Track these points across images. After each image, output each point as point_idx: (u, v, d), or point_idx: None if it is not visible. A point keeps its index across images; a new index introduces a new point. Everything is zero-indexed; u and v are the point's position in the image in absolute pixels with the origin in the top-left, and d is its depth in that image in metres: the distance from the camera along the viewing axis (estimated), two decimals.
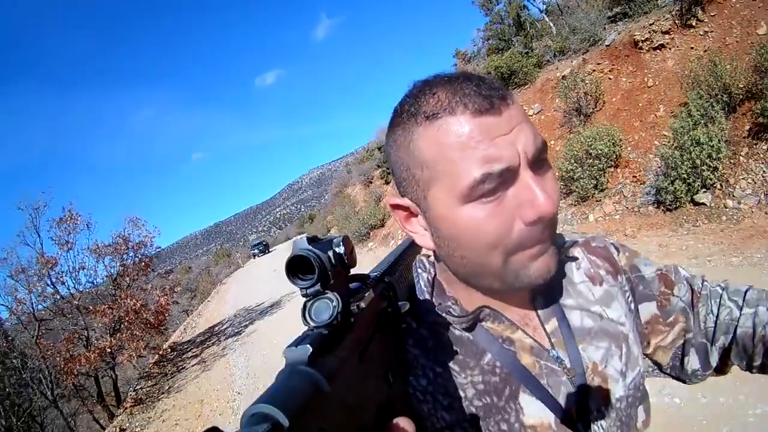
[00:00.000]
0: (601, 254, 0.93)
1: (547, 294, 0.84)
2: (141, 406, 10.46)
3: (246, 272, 37.18)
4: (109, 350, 11.88)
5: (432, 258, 0.87)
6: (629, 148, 11.27)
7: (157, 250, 15.51)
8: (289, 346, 0.43)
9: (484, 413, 0.74)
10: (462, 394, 0.75)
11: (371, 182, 26.67)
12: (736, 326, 0.88)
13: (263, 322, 13.70)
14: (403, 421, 0.47)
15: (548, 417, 0.75)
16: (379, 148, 25.61)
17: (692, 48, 11.81)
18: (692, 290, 0.93)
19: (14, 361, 11.16)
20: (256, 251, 53.75)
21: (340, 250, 0.51)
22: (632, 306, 0.91)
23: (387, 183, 23.83)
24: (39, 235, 12.59)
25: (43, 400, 11.62)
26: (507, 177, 0.65)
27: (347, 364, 0.46)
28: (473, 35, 24.22)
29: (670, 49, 12.37)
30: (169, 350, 15.59)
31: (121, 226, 14.28)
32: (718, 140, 8.77)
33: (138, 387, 12.24)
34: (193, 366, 12.33)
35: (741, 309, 0.89)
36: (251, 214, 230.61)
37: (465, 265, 0.73)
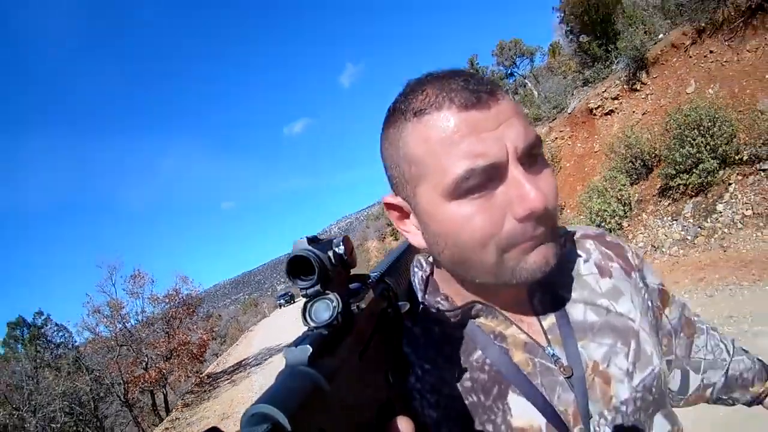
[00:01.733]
0: (615, 249, 0.89)
1: (546, 287, 0.79)
2: (188, 408, 14.49)
3: (271, 321, 41.10)
4: (164, 372, 16.01)
5: (430, 257, 0.85)
6: (568, 210, 12.80)
7: (198, 295, 19.93)
8: (288, 347, 0.43)
9: (471, 412, 0.71)
10: (448, 391, 0.72)
11: (385, 238, 29.09)
12: (728, 368, 0.96)
13: (279, 355, 17.63)
14: (402, 421, 0.46)
15: (538, 420, 0.70)
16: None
17: (634, 112, 12.79)
18: (685, 317, 0.95)
19: (88, 378, 15.17)
20: (282, 301, 56.75)
21: (340, 250, 0.50)
22: (650, 303, 0.87)
23: (396, 239, 25.98)
24: (114, 286, 16.94)
25: (116, 405, 15.73)
26: (493, 173, 0.63)
27: (347, 364, 0.45)
28: None
29: (618, 113, 13.30)
30: (206, 377, 19.61)
31: (172, 281, 18.68)
32: (622, 202, 10.14)
33: (185, 398, 16.30)
34: (225, 384, 16.29)
35: (731, 355, 0.97)
36: (280, 263, 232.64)
37: (456, 262, 0.70)
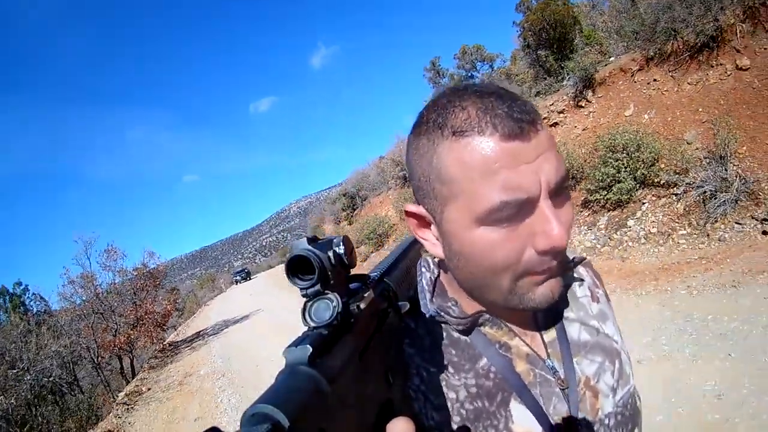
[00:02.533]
0: (598, 278, 0.96)
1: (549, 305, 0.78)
2: (153, 370, 16.63)
3: (227, 296, 43.10)
4: (132, 338, 18.04)
5: (437, 259, 0.85)
6: None
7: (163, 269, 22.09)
8: (289, 347, 0.43)
9: (474, 417, 0.73)
10: (453, 395, 0.74)
11: (340, 222, 29.89)
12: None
13: (235, 326, 19.82)
14: (402, 421, 0.46)
15: (535, 428, 0.74)
16: (345, 195, 29.23)
17: (575, 126, 13.24)
18: None
19: (68, 341, 17.06)
20: (238, 278, 58.39)
21: (340, 250, 0.50)
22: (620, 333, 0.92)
23: (350, 224, 27.27)
24: (89, 260, 18.82)
25: (87, 368, 17.76)
26: (525, 206, 0.64)
27: (347, 364, 0.45)
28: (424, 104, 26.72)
29: (561, 126, 13.71)
30: (168, 345, 21.66)
31: (134, 250, 20.77)
32: None
33: (150, 362, 18.42)
34: (186, 350, 18.50)
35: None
36: (237, 240, 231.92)
37: (472, 281, 0.72)
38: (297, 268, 0.48)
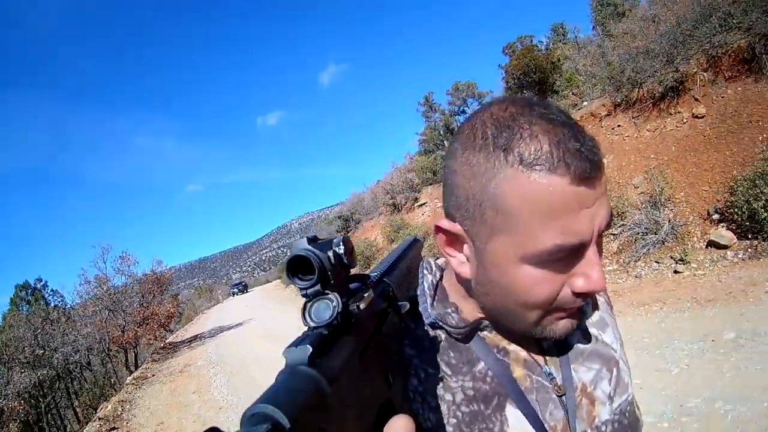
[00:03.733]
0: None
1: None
2: (156, 363, 19.22)
3: (223, 307, 45.62)
4: (138, 334, 20.70)
5: (440, 261, 0.86)
6: None
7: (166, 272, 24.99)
8: (289, 347, 0.42)
9: (470, 419, 0.73)
10: (450, 397, 0.74)
11: None
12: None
13: (229, 332, 22.36)
14: (403, 418, 0.46)
15: None
16: (340, 217, 31.06)
17: None
18: None
19: (86, 331, 19.74)
20: (235, 290, 60.40)
21: (340, 250, 0.50)
22: (621, 340, 0.92)
23: None
24: (105, 264, 21.61)
25: (96, 358, 20.42)
26: (576, 250, 0.64)
27: (347, 364, 0.45)
28: (416, 138, 28.02)
29: None
30: (168, 344, 24.29)
31: (149, 262, 23.64)
32: None
33: (153, 356, 21.04)
34: (184, 349, 21.09)
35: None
36: (237, 253, 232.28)
37: (499, 309, 0.72)
38: (297, 268, 0.47)
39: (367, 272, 0.67)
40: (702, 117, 10.67)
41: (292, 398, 0.36)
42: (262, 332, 18.49)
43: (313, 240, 0.50)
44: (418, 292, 0.82)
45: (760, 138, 9.16)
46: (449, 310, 0.78)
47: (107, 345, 19.87)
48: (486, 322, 0.78)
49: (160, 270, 23.87)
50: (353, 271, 0.57)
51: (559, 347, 0.82)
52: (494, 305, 0.72)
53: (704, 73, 10.95)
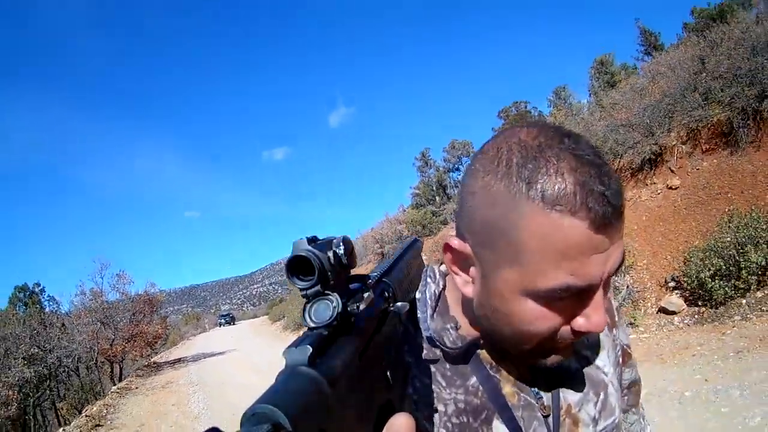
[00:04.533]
0: (605, 303, 0.87)
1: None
2: (140, 378, 20.19)
3: (209, 335, 46.47)
4: (126, 349, 21.76)
5: (443, 266, 0.85)
6: None
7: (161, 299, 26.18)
8: (289, 347, 0.42)
9: (459, 431, 0.74)
10: (443, 408, 0.75)
11: None
12: None
13: (212, 358, 23.32)
14: (403, 416, 0.46)
15: None
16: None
17: None
18: (636, 387, 1.00)
19: (79, 339, 20.72)
20: (222, 321, 60.68)
21: (340, 250, 0.50)
22: (619, 360, 0.92)
23: None
24: (102, 279, 22.93)
25: (82, 368, 21.44)
26: (583, 292, 0.63)
27: (347, 364, 0.45)
28: (408, 191, 29.21)
29: None
30: (153, 363, 25.23)
31: (144, 285, 25.09)
32: None
33: (137, 372, 22.02)
34: (167, 369, 22.10)
35: None
36: (228, 284, 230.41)
37: (494, 332, 0.72)
38: (297, 268, 0.46)
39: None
40: (676, 188, 11.01)
41: (292, 398, 0.36)
42: (244, 362, 19.34)
43: (312, 240, 0.49)
44: (419, 300, 0.81)
45: (727, 209, 9.48)
46: (448, 326, 0.78)
47: (96, 355, 20.87)
48: (481, 342, 0.78)
49: (152, 291, 25.20)
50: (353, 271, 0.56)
51: (551, 374, 0.80)
52: (492, 329, 0.72)
53: (683, 146, 11.38)
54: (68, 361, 19.74)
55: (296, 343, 0.42)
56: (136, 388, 17.41)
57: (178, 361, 24.93)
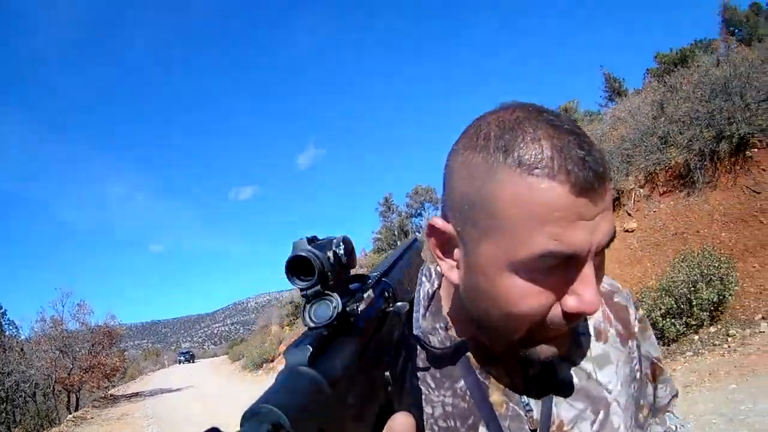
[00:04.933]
0: (619, 313, 0.86)
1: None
2: (96, 409, 20.25)
3: (168, 372, 46.15)
4: (83, 379, 21.82)
5: (440, 268, 0.80)
6: None
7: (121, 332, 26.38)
8: (289, 347, 0.42)
9: None
10: (430, 410, 0.73)
11: (284, 327, 32.19)
12: None
13: (169, 394, 23.45)
14: (403, 416, 0.46)
15: None
16: (291, 302, 31.54)
17: None
18: (676, 399, 0.93)
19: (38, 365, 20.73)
20: (182, 358, 60.31)
21: (340, 250, 0.50)
22: (638, 375, 0.85)
23: (291, 330, 29.63)
24: (63, 307, 23.21)
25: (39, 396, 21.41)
26: (568, 262, 0.60)
27: (347, 364, 0.45)
28: (371, 236, 28.79)
29: None
30: (110, 395, 25.16)
31: (104, 316, 25.31)
32: None
33: (94, 403, 22.01)
34: (123, 402, 22.23)
35: None
36: (190, 322, 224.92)
37: (483, 319, 0.69)
38: (297, 268, 0.46)
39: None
40: (632, 231, 11.01)
41: (292, 398, 0.36)
42: (201, 399, 19.45)
43: (312, 240, 0.49)
44: (414, 299, 0.80)
45: (682, 249, 9.50)
46: (438, 326, 0.77)
47: (53, 383, 20.87)
48: (470, 344, 0.75)
49: (112, 324, 25.40)
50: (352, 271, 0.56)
51: (544, 380, 0.76)
52: (481, 316, 0.69)
53: (640, 189, 11.43)
54: (25, 386, 19.77)
55: (296, 343, 0.43)
56: (92, 418, 17.61)
57: (136, 395, 24.94)
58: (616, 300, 0.87)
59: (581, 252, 0.60)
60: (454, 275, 0.70)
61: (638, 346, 0.86)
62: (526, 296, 0.62)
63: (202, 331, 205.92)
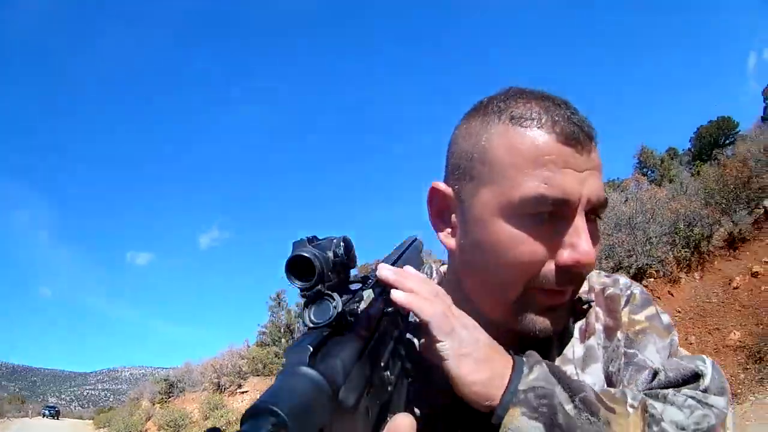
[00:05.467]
0: (609, 306, 0.82)
1: (536, 345, 0.73)
2: None
3: (29, 423, 46.18)
4: None
5: (443, 268, 0.84)
6: None
7: None
8: (289, 347, 0.42)
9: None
10: (425, 407, 0.72)
11: (154, 404, 30.42)
12: None
13: None
14: (404, 417, 0.47)
15: None
16: (166, 380, 30.47)
17: None
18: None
19: None
20: (47, 412, 59.59)
21: (340, 250, 0.50)
22: (619, 368, 0.77)
23: (161, 408, 27.56)
24: None
25: None
26: (560, 210, 0.63)
27: (347, 364, 0.45)
28: (256, 328, 26.96)
29: None
30: None
31: None
32: None
33: None
34: None
35: None
36: (62, 377, 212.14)
37: (479, 284, 0.71)
38: (297, 268, 0.46)
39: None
40: None
41: (292, 397, 0.36)
42: None
43: (312, 240, 0.49)
44: None
45: None
46: None
47: None
48: None
49: None
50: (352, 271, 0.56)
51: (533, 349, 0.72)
52: (476, 278, 0.71)
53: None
54: None
55: (296, 343, 0.43)
56: None
57: None
58: (608, 293, 0.83)
59: (572, 197, 0.64)
60: (452, 242, 0.75)
61: (627, 338, 0.78)
62: (520, 243, 0.66)
63: (71, 389, 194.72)
